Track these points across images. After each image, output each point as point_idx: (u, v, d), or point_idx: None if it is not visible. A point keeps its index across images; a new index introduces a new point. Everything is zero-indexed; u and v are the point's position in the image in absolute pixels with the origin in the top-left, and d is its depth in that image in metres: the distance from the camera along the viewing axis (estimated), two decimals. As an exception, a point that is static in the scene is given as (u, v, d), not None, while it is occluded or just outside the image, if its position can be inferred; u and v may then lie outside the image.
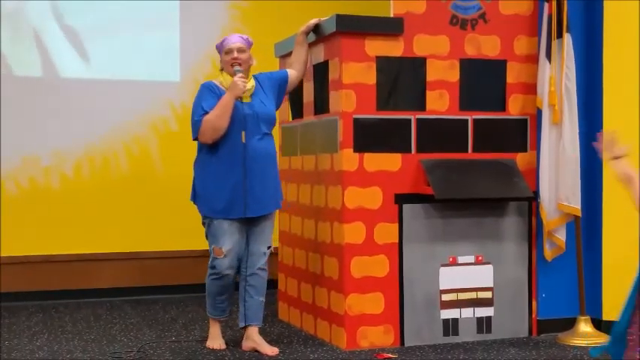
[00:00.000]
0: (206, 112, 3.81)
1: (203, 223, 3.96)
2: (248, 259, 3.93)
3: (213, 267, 3.92)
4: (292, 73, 4.11)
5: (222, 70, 3.95)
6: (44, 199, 5.46)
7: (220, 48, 3.93)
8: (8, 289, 5.32)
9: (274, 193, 3.94)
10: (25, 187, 5.44)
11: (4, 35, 5.37)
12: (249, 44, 3.95)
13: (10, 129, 5.35)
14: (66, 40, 5.53)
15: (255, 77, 3.99)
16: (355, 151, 3.98)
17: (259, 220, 3.91)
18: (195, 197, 3.96)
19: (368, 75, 3.99)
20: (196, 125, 3.83)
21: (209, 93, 3.87)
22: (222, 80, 3.92)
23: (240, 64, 3.87)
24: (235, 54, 3.87)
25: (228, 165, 3.82)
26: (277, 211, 4.04)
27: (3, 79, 5.37)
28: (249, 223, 3.91)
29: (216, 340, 4.01)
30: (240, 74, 3.83)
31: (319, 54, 4.26)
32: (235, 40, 3.90)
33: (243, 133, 3.81)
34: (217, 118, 3.78)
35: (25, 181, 5.44)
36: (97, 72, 5.57)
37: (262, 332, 4.02)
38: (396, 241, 4.03)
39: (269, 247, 3.97)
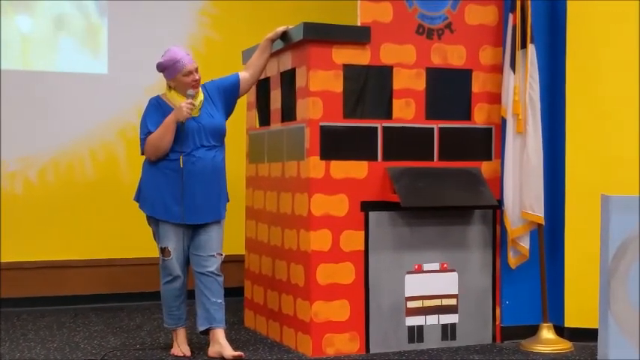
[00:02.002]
0: (150, 132, 3.87)
1: (148, 223, 4.01)
2: (197, 262, 3.95)
3: (165, 269, 3.96)
4: (245, 76, 4.10)
5: (171, 88, 3.93)
6: (8, 206, 5.38)
7: (175, 70, 3.86)
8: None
9: (216, 203, 3.95)
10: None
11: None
12: None
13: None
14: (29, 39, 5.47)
15: (204, 87, 3.98)
16: (322, 158, 3.99)
17: (203, 227, 3.94)
18: (138, 197, 4.01)
19: (335, 83, 4.01)
20: (142, 143, 3.94)
21: (154, 110, 3.92)
22: (170, 97, 3.93)
23: (195, 86, 3.88)
24: (196, 76, 3.89)
25: (170, 172, 3.87)
26: (222, 220, 4.02)
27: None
28: (194, 230, 3.94)
29: (181, 347, 3.99)
30: (191, 100, 3.85)
31: (287, 61, 4.27)
32: (191, 61, 3.88)
33: (186, 144, 3.84)
34: (159, 139, 3.84)
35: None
36: (64, 75, 5.52)
37: (228, 340, 4.00)
38: (362, 248, 4.05)
39: (219, 254, 3.97)
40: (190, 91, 3.87)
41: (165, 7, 5.69)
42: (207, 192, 3.91)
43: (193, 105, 3.86)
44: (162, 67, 3.91)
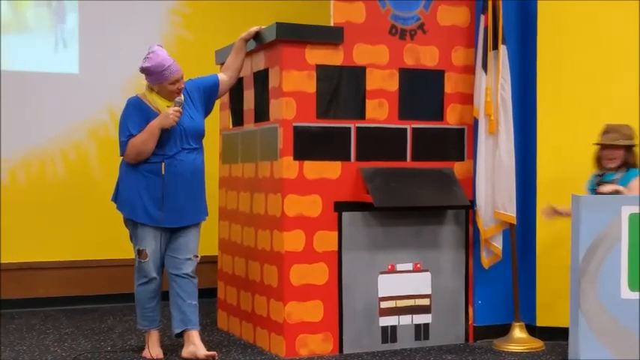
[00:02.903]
0: (132, 134, 3.81)
1: (125, 224, 3.96)
2: (173, 264, 3.92)
3: (140, 271, 3.92)
4: (223, 79, 4.09)
5: (152, 90, 3.88)
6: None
7: (159, 75, 3.79)
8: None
9: (197, 206, 3.93)
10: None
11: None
12: None
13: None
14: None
15: (184, 87, 3.94)
16: (295, 158, 3.98)
17: (182, 229, 3.91)
18: (116, 198, 3.96)
19: (308, 83, 4.00)
20: (123, 146, 3.86)
21: (135, 111, 3.86)
22: (150, 100, 3.87)
23: (179, 93, 3.84)
24: (181, 84, 3.85)
25: (151, 175, 3.83)
26: (201, 223, 4.00)
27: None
28: (172, 232, 3.91)
29: (153, 349, 3.96)
30: (178, 107, 3.80)
31: (260, 62, 4.25)
32: (178, 68, 3.83)
33: (168, 147, 3.81)
34: (143, 143, 3.79)
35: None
36: (34, 75, 5.44)
37: (202, 341, 3.97)
38: (336, 249, 4.05)
39: (195, 256, 3.95)
40: (178, 99, 3.83)
41: (137, 6, 5.64)
42: (189, 195, 3.88)
43: (180, 112, 3.82)
44: (147, 72, 3.82)
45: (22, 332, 4.60)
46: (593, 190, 3.96)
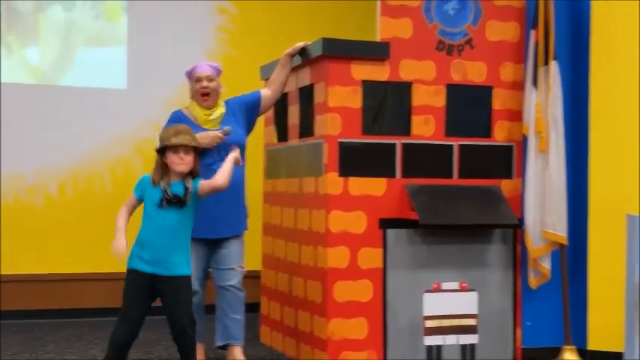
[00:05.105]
0: None
1: None
2: (217, 276, 3.94)
3: None
4: (266, 94, 4.11)
5: (192, 97, 3.97)
6: (28, 218, 5.41)
7: (190, 76, 3.96)
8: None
9: (235, 218, 3.94)
10: (9, 204, 5.39)
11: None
12: (219, 72, 4.00)
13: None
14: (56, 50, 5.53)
15: (227, 103, 4.00)
16: (340, 174, 3.96)
17: (223, 241, 3.93)
18: None
19: (354, 99, 3.98)
20: None
21: (174, 123, 3.89)
22: (191, 109, 3.94)
23: (204, 94, 3.87)
24: (205, 83, 3.90)
25: None
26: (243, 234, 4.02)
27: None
28: (214, 244, 3.93)
29: (195, 364, 3.96)
30: (222, 134, 3.85)
31: (305, 77, 4.25)
32: (204, 69, 3.91)
33: (207, 157, 3.83)
34: None
35: (10, 198, 5.40)
36: (84, 90, 5.56)
37: (245, 356, 3.96)
38: (380, 266, 4.00)
39: (240, 267, 3.95)
40: (227, 128, 3.87)
41: (184, 24, 5.72)
42: (227, 206, 3.89)
43: (222, 140, 3.85)
44: (186, 75, 4.00)
45: (71, 342, 4.67)
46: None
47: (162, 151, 3.31)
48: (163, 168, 3.31)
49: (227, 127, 3.87)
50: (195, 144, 3.33)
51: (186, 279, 3.33)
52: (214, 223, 3.87)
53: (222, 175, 3.34)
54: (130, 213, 3.38)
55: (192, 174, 3.33)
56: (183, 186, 3.28)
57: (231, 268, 3.92)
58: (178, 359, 4.21)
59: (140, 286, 3.28)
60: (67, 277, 5.45)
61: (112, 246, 3.25)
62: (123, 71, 5.66)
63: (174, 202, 3.26)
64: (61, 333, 4.94)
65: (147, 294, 3.29)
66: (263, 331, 4.77)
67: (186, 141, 3.29)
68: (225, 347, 3.95)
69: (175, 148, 3.27)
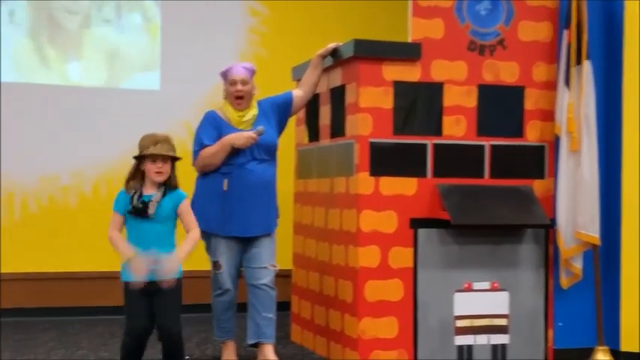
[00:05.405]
0: (204, 145, 3.92)
1: (202, 236, 4.03)
2: (249, 275, 3.97)
3: (215, 282, 4.01)
4: (298, 94, 4.14)
5: (225, 98, 4.02)
6: (63, 217, 5.51)
7: (225, 77, 4.00)
8: (25, 304, 5.36)
9: (266, 216, 3.98)
10: (44, 205, 5.50)
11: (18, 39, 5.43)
12: (253, 73, 4.04)
13: (30, 145, 5.44)
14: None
15: (259, 103, 4.05)
16: (371, 174, 3.98)
17: (254, 240, 3.96)
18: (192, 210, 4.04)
19: (385, 99, 4.00)
20: (195, 155, 4.00)
21: (209, 125, 3.98)
22: (225, 110, 3.99)
23: (238, 97, 3.92)
24: (239, 86, 3.95)
25: (220, 184, 3.92)
26: (274, 233, 4.05)
27: (19, 89, 5.43)
28: (246, 243, 3.97)
29: (228, 360, 4.02)
30: (255, 134, 3.88)
31: (336, 78, 4.28)
32: (239, 72, 3.96)
33: (239, 156, 3.89)
34: (212, 156, 3.91)
35: (45, 200, 5.51)
36: (117, 91, 5.64)
37: (276, 354, 4.00)
38: (411, 265, 4.01)
39: (273, 266, 3.99)
40: (260, 128, 3.91)
41: (217, 25, 5.78)
42: (258, 205, 3.94)
43: (255, 140, 3.89)
44: (221, 75, 4.04)
45: (104, 338, 4.75)
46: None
47: (140, 158, 3.32)
48: (138, 176, 3.34)
49: (260, 128, 3.92)
50: (173, 154, 3.33)
51: (177, 281, 3.36)
52: (246, 221, 3.92)
53: (190, 240, 3.40)
54: (120, 230, 3.40)
55: (170, 184, 3.34)
56: (151, 198, 3.28)
57: (264, 267, 3.96)
58: (209, 357, 4.27)
59: (138, 291, 3.34)
60: (99, 275, 5.53)
61: (129, 267, 3.30)
62: (156, 73, 5.74)
63: (139, 212, 3.28)
64: (94, 330, 5.02)
65: (147, 294, 3.36)
66: (294, 330, 4.81)
67: (165, 151, 3.30)
68: (256, 345, 3.99)
69: (153, 157, 3.29)
